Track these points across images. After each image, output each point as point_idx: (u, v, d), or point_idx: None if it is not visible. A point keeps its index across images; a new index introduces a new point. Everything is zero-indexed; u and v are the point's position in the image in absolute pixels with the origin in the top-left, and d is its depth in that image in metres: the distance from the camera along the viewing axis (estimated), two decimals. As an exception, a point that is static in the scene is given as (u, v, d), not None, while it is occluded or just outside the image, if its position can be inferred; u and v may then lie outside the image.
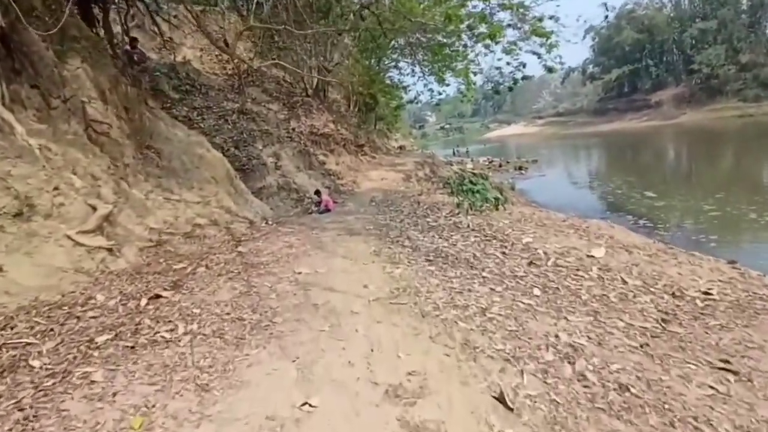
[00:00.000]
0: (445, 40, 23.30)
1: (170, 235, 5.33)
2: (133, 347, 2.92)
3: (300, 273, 4.62)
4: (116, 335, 3.06)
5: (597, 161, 34.77)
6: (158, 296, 3.66)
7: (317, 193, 13.25)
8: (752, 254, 8.38)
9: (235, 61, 16.46)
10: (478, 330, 3.23)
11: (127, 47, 11.02)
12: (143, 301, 3.65)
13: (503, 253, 5.68)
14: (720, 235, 10.21)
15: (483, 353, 2.94)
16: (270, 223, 8.43)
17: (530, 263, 5.20)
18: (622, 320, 3.48)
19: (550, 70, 18.25)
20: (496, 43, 19.70)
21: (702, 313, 3.65)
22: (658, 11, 71.12)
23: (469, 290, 4.17)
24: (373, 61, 29.80)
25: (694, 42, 63.46)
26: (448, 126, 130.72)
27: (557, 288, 4.25)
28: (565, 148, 47.77)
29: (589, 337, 3.11)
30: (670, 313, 3.67)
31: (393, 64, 31.61)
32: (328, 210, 12.22)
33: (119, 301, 3.65)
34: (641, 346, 3.02)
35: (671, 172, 23.46)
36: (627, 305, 3.86)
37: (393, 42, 26.97)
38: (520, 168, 31.97)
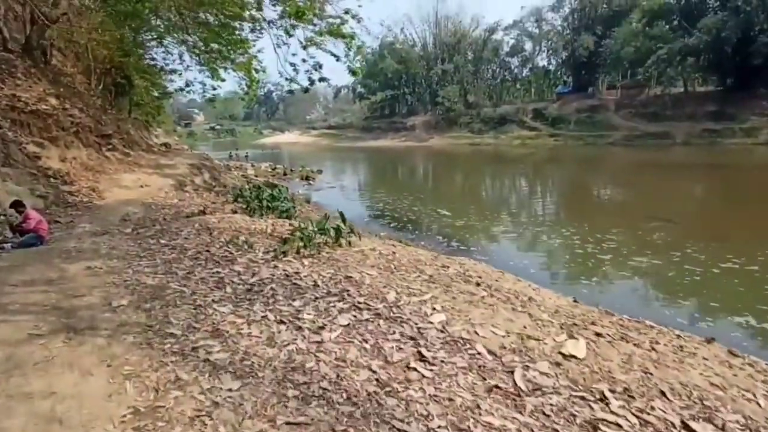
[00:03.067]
0: (228, 20, 19.24)
1: None
2: None
3: None
4: None
5: (380, 175, 36.00)
6: None
7: (17, 206, 7.85)
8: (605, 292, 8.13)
9: None
10: None
11: None
12: None
13: (421, 358, 2.96)
14: (553, 265, 10.03)
15: None
16: None
17: (490, 390, 2.65)
18: None
19: (354, 72, 16.60)
20: (293, 28, 16.96)
21: None
22: (411, 48, 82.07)
23: None
24: (128, 31, 22.93)
25: (438, 79, 75.43)
26: (219, 127, 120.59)
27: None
28: (343, 160, 48.82)
29: None
30: None
31: (156, 39, 25.12)
32: (38, 239, 7.21)
33: None
34: None
35: (447, 189, 25.48)
36: None
37: (152, 14, 21.09)
38: (308, 178, 30.12)
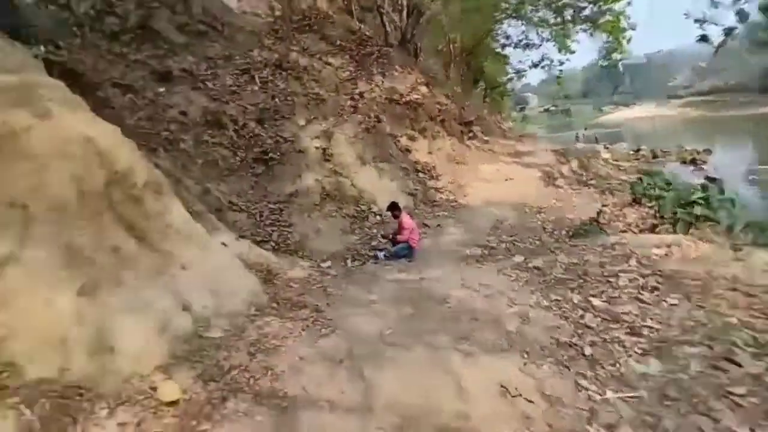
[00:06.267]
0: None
1: None
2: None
3: None
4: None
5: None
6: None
7: (393, 209, 6.73)
8: None
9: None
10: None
11: None
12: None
13: None
14: None
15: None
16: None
17: None
18: None
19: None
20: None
21: None
22: None
23: None
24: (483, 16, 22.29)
25: None
26: (554, 108, 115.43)
27: None
28: (736, 134, 35.12)
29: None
30: None
31: (511, 17, 23.61)
32: (409, 250, 5.85)
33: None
34: None
35: None
36: None
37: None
38: (693, 161, 22.21)
